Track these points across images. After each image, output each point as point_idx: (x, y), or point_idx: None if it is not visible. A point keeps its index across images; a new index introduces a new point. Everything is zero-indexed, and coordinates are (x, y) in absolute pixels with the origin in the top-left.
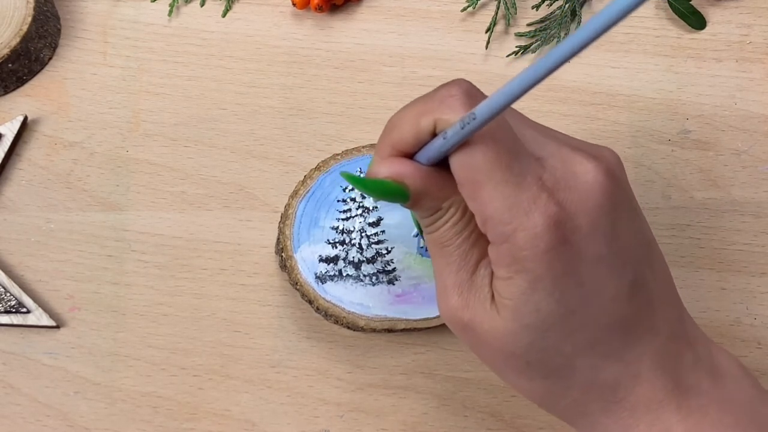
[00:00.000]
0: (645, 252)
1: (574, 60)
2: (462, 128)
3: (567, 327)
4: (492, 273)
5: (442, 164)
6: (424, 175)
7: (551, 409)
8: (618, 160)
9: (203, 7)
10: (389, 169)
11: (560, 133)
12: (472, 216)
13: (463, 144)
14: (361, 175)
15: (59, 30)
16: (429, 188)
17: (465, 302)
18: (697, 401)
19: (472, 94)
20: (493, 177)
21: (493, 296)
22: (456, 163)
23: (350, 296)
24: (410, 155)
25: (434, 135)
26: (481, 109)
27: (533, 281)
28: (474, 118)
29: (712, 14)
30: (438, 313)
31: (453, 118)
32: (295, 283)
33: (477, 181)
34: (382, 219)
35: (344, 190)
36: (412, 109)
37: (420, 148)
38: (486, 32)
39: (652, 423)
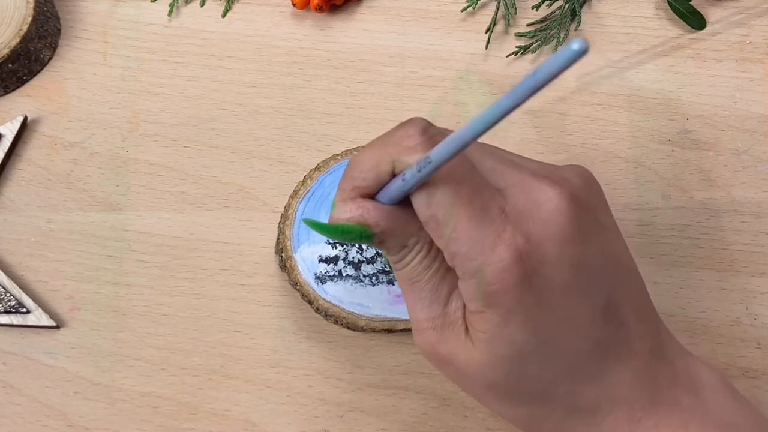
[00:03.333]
0: (617, 272)
1: None
2: (419, 171)
3: (543, 355)
4: (464, 305)
5: (405, 202)
6: (387, 215)
7: None
8: (586, 180)
9: (203, 7)
10: (351, 212)
11: (524, 158)
12: (440, 250)
13: (423, 183)
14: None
15: (59, 30)
16: (393, 227)
17: (440, 336)
18: (677, 417)
19: (429, 133)
20: (455, 213)
21: (467, 328)
22: (418, 202)
23: (350, 296)
24: (372, 196)
25: (394, 176)
26: (436, 154)
27: (505, 314)
28: (429, 162)
29: (712, 14)
30: None
31: (410, 160)
32: (295, 283)
33: (440, 218)
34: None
35: None
36: (370, 151)
37: (381, 189)
38: (486, 32)
39: None
